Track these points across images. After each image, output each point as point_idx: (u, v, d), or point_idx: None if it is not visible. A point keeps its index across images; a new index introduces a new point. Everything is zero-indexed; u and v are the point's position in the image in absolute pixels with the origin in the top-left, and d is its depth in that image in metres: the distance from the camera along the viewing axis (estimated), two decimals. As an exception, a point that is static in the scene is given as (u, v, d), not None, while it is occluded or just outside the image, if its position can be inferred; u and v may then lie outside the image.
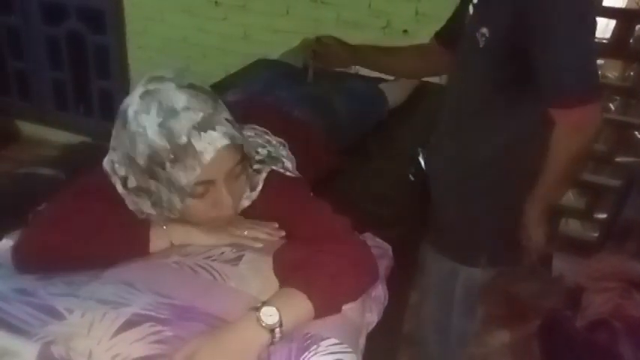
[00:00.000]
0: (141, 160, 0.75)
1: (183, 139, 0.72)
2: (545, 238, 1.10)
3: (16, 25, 2.95)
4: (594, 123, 0.96)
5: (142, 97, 0.74)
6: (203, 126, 0.73)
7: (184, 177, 0.74)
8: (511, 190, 1.11)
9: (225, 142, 0.74)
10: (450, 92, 1.18)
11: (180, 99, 0.73)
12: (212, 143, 0.73)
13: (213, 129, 0.74)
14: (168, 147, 0.72)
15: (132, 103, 0.75)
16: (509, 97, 1.02)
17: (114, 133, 0.81)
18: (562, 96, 0.94)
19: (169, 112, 0.72)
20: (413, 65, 1.36)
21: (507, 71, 0.99)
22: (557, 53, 0.91)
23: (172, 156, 0.73)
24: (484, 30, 0.98)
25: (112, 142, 0.83)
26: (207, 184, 0.76)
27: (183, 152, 0.72)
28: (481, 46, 0.99)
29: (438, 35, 1.30)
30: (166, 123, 0.72)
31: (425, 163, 1.28)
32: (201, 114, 0.73)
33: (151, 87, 0.75)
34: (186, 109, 0.73)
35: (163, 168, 0.74)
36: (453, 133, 1.15)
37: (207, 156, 0.73)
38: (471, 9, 1.05)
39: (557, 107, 0.95)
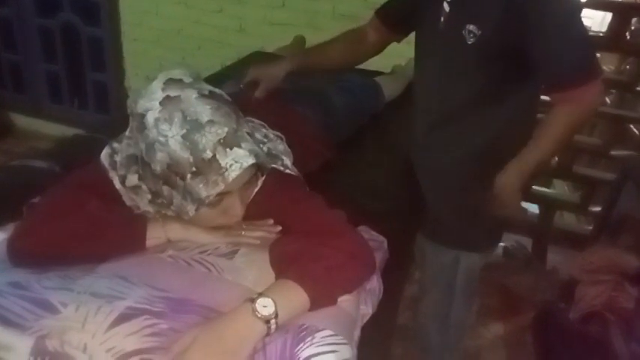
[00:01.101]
0: (157, 167, 0.74)
1: (208, 154, 0.72)
2: (520, 205, 1.15)
3: (9, 17, 2.92)
4: (598, 99, 1.02)
5: (163, 104, 0.72)
6: (229, 142, 0.73)
7: (205, 190, 0.73)
8: None
9: (251, 160, 0.74)
10: (427, 88, 1.17)
11: (204, 110, 0.72)
12: (238, 161, 0.73)
13: (239, 146, 0.74)
14: (191, 160, 0.72)
15: (152, 108, 0.73)
16: (500, 88, 1.05)
17: (127, 132, 0.80)
18: (567, 78, 0.97)
19: (194, 125, 0.71)
20: (349, 53, 1.31)
21: (499, 65, 1.02)
22: (557, 40, 0.95)
23: (194, 169, 0.72)
24: (472, 27, 0.99)
25: (121, 140, 0.82)
26: (224, 194, 0.77)
27: (207, 167, 0.72)
28: (469, 42, 1.00)
29: (383, 15, 1.26)
30: (190, 135, 0.71)
31: (412, 157, 1.28)
32: (226, 129, 0.73)
33: (171, 93, 0.73)
34: (211, 122, 0.72)
35: (183, 179, 0.73)
36: (442, 126, 1.16)
37: (233, 174, 0.73)
38: (446, 6, 1.04)
39: (563, 89, 0.99)
